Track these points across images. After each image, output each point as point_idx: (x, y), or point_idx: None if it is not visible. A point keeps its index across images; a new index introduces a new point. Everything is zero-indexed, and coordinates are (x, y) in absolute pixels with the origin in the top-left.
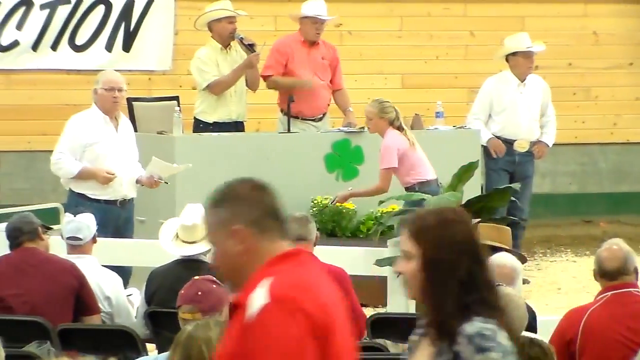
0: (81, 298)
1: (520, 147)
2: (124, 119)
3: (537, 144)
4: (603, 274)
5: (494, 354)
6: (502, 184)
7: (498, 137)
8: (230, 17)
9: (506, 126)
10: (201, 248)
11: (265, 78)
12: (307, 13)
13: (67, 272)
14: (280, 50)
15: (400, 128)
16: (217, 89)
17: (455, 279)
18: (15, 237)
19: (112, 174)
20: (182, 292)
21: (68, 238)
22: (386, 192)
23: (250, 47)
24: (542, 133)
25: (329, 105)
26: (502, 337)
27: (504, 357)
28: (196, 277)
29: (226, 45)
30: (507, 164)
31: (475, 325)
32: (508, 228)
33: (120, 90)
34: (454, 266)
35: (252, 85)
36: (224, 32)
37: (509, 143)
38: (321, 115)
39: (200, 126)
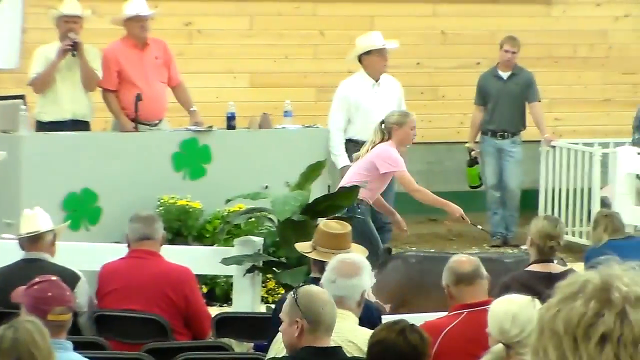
0: None
1: None
2: None
3: None
4: (460, 279)
5: None
6: None
7: (355, 141)
8: (67, 17)
9: (363, 128)
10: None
11: (102, 89)
12: (131, 13)
13: None
14: (111, 59)
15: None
16: (34, 87)
17: None
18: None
19: None
20: (50, 294)
21: None
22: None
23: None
24: None
25: (165, 111)
26: None
27: None
28: (52, 278)
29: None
30: None
31: None
32: (349, 230)
33: None
34: None
35: (85, 85)
36: (59, 30)
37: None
38: (157, 122)
39: (38, 126)
